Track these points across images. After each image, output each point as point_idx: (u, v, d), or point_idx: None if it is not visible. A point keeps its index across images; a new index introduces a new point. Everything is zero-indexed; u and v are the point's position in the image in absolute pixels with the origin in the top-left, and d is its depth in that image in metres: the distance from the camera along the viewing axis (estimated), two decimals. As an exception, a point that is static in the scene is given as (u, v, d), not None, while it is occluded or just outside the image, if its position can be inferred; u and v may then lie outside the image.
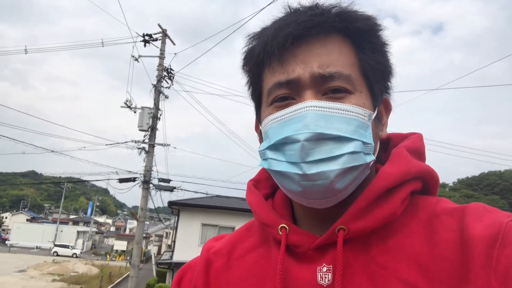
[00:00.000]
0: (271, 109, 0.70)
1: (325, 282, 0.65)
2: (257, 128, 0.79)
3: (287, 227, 0.70)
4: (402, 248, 0.63)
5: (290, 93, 0.68)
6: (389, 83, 0.76)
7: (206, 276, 0.80)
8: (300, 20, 0.66)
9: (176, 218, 21.73)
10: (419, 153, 0.74)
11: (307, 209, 0.71)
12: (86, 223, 75.45)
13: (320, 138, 0.62)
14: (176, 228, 21.21)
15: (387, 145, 0.79)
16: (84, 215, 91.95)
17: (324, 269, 0.66)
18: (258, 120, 0.78)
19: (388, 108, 0.77)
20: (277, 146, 0.66)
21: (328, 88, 0.66)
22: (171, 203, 19.87)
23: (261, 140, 0.75)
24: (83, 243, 60.09)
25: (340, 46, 0.68)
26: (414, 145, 0.74)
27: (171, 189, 16.29)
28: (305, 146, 0.61)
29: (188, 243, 19.48)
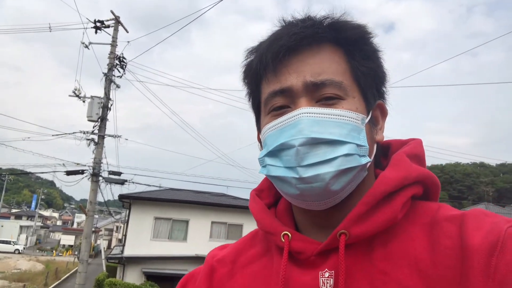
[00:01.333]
0: (268, 118, 0.73)
1: (327, 287, 0.66)
2: (259, 137, 0.82)
3: (289, 234, 0.72)
4: (403, 253, 0.64)
5: (286, 102, 0.71)
6: (383, 88, 0.78)
7: (210, 283, 0.81)
8: (292, 33, 0.69)
9: (128, 212, 21.16)
10: (419, 158, 0.75)
11: (308, 216, 0.74)
12: (30, 217, 71.68)
13: (314, 143, 0.64)
14: (127, 222, 20.66)
15: (387, 151, 0.81)
16: (28, 209, 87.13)
17: (326, 274, 0.66)
18: (258, 130, 0.81)
19: (384, 113, 0.79)
20: (275, 153, 0.69)
21: (321, 95, 0.68)
22: (122, 197, 19.30)
23: (261, 148, 0.77)
24: (27, 238, 57.06)
25: (331, 54, 0.71)
26: (414, 151, 0.75)
27: (122, 182, 15.83)
28: (300, 151, 0.64)
29: (140, 237, 19.06)
